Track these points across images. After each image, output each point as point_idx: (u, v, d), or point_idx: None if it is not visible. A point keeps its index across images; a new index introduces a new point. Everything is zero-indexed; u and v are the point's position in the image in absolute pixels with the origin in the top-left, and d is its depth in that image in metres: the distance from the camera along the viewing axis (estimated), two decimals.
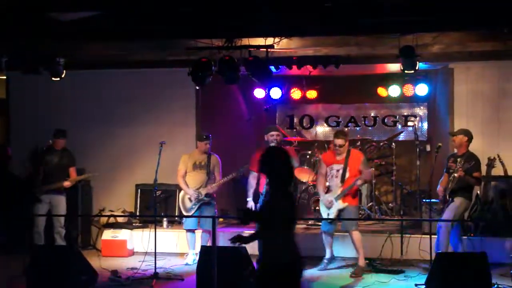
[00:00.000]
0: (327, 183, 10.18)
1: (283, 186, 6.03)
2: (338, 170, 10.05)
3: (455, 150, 10.08)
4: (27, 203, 10.88)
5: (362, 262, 9.95)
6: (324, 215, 10.11)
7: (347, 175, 9.97)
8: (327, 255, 10.39)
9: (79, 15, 9.13)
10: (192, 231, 11.08)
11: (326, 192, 10.16)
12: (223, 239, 11.02)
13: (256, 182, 10.27)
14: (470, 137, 9.98)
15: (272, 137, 10.08)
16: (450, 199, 9.72)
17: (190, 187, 10.87)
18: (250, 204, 10.25)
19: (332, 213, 9.98)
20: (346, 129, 14.37)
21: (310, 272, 10.28)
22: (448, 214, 9.71)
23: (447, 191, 9.73)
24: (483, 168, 10.98)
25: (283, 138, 10.43)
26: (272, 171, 6.09)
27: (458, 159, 9.72)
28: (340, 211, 9.97)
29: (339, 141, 10.02)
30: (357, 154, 10.30)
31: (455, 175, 9.60)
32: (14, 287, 9.46)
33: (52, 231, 11.12)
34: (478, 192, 11.01)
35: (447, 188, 9.74)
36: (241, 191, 10.70)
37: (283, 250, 5.96)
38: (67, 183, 10.98)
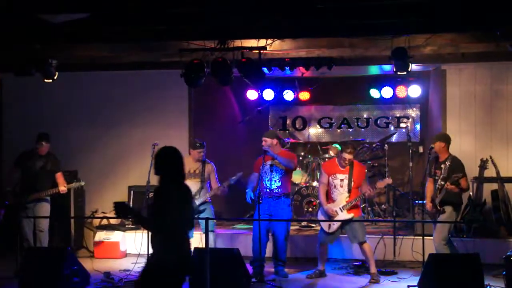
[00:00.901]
0: (333, 194, 9.98)
1: (173, 184, 6.13)
2: (342, 180, 9.90)
3: None
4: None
5: (374, 269, 9.89)
6: (325, 226, 9.95)
7: (352, 185, 9.87)
8: (319, 267, 10.20)
9: (71, 17, 9.10)
10: None
11: (328, 202, 10.04)
12: (219, 240, 11.16)
13: (257, 181, 10.23)
14: (447, 141, 9.88)
15: (265, 142, 10.12)
16: (442, 209, 9.67)
17: None
18: (249, 194, 10.18)
19: (336, 224, 9.87)
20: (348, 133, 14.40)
21: (300, 275, 10.34)
22: (440, 229, 9.69)
23: (436, 201, 9.70)
24: (476, 170, 11.00)
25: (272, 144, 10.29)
26: (161, 169, 6.21)
27: (442, 166, 9.67)
28: (345, 222, 9.86)
29: (349, 156, 9.85)
30: (361, 166, 10.18)
31: (442, 183, 9.55)
32: None
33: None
34: (471, 193, 11.03)
35: (435, 198, 9.71)
36: (235, 194, 10.69)
37: (165, 251, 6.01)
38: (62, 188, 10.74)
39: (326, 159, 12.54)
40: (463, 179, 9.56)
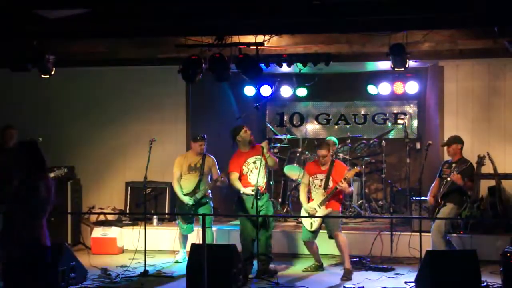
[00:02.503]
0: (312, 193, 10.06)
1: (27, 177, 6.36)
2: (322, 180, 9.97)
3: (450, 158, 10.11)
4: None
5: (348, 265, 9.84)
6: (307, 225, 10.00)
7: (330, 184, 9.90)
8: (316, 262, 10.33)
9: (68, 13, 9.08)
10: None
11: (308, 202, 10.09)
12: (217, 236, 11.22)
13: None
14: (461, 143, 9.99)
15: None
16: (442, 202, 9.73)
17: (185, 190, 10.70)
18: (249, 190, 10.03)
19: (316, 221, 9.91)
20: (333, 131, 14.41)
21: (297, 271, 10.35)
22: (439, 223, 9.74)
23: (439, 195, 9.74)
24: (474, 166, 11.01)
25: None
26: (16, 163, 6.49)
27: (454, 165, 9.74)
28: (324, 218, 9.89)
29: (322, 152, 9.96)
30: (341, 166, 10.21)
31: (448, 178, 9.61)
32: None
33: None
34: None
35: (439, 192, 9.75)
36: (232, 189, 10.68)
37: (16, 239, 6.28)
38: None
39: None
40: (469, 180, 9.64)
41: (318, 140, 13.78)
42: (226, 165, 10.43)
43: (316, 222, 9.91)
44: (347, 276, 9.70)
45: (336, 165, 10.05)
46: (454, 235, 10.53)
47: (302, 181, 10.35)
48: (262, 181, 9.94)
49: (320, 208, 9.86)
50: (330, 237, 9.96)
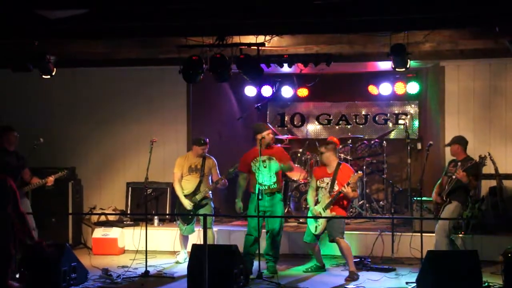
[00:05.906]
0: (319, 196, 10.06)
1: None
2: (328, 183, 9.99)
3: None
4: None
5: (352, 267, 9.83)
6: (312, 228, 9.99)
7: (336, 187, 9.90)
8: (317, 263, 10.35)
9: (68, 13, 9.09)
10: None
11: (315, 205, 10.10)
12: (219, 237, 11.20)
13: (246, 183, 10.25)
14: (463, 143, 9.97)
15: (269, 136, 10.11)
16: (447, 199, 9.74)
17: (186, 191, 10.70)
18: (239, 204, 10.20)
19: (320, 224, 9.91)
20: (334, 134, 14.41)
21: (298, 271, 10.34)
22: (443, 221, 9.74)
23: (444, 192, 9.75)
24: None
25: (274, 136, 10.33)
26: None
27: (459, 163, 9.74)
28: (328, 221, 9.86)
29: (320, 149, 10.14)
30: (347, 169, 10.19)
31: (453, 176, 9.61)
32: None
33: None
34: None
35: (444, 190, 9.75)
36: (233, 189, 10.68)
37: None
38: (50, 179, 10.21)
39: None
40: (473, 178, 9.64)
41: (319, 141, 13.80)
42: (227, 166, 10.43)
43: (320, 226, 9.90)
44: (352, 277, 9.69)
45: (342, 168, 10.05)
46: (456, 235, 10.51)
47: (310, 185, 10.37)
48: (269, 181, 9.95)
49: (324, 211, 9.86)
50: (331, 241, 9.95)
